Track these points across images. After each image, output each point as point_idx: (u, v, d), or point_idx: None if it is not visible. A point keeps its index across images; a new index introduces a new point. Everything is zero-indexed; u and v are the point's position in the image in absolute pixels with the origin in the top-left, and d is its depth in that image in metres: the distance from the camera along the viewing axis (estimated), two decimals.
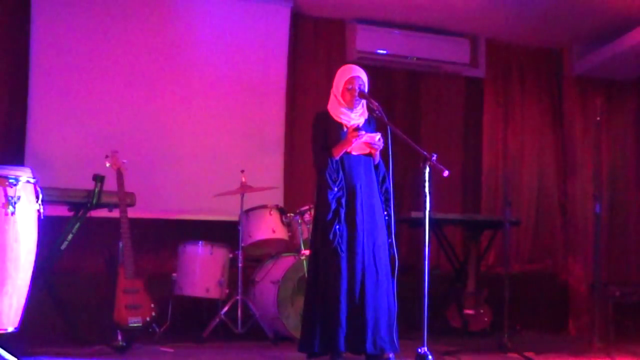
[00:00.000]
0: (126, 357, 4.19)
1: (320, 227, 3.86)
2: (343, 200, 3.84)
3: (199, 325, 4.97)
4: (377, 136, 3.84)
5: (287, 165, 6.21)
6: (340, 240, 3.78)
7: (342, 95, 3.94)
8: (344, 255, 3.78)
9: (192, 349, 4.60)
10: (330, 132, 3.93)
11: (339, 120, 3.95)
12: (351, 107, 3.96)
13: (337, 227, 3.79)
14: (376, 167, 3.99)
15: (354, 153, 3.90)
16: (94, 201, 4.58)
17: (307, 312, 3.91)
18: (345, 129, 3.93)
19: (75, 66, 5.60)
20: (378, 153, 3.95)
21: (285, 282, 4.88)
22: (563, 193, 7.06)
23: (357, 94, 3.91)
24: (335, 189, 3.83)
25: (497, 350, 4.70)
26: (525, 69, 7.10)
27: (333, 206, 3.81)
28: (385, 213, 3.95)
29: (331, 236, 3.77)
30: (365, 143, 3.87)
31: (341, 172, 3.87)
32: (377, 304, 3.80)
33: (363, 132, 3.82)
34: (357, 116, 3.98)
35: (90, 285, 5.06)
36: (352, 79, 3.93)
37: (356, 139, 3.80)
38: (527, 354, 4.50)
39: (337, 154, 3.87)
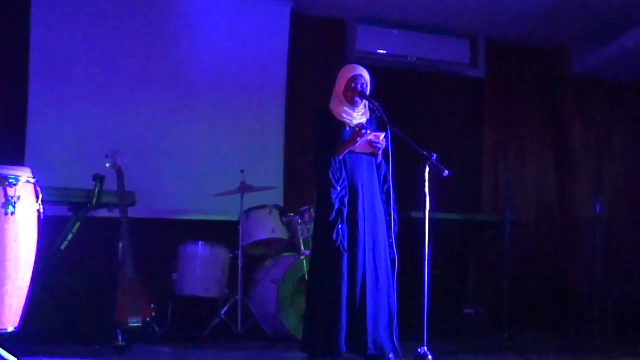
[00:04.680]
0: (126, 357, 4.19)
1: (323, 227, 3.85)
2: (346, 200, 3.84)
3: (199, 325, 4.97)
4: (382, 136, 3.84)
5: (287, 165, 6.20)
6: (343, 240, 3.78)
7: (345, 94, 3.95)
8: (345, 255, 3.78)
9: (192, 349, 4.61)
10: (333, 130, 3.93)
11: (341, 119, 3.95)
12: (353, 106, 3.96)
13: (340, 226, 3.79)
14: (378, 166, 4.00)
15: (357, 152, 3.90)
16: (94, 201, 4.58)
17: (308, 312, 3.91)
18: (347, 128, 3.93)
19: (75, 66, 5.60)
20: (380, 153, 3.95)
21: (285, 282, 4.88)
22: (563, 193, 7.06)
23: (357, 93, 3.91)
24: (339, 189, 3.82)
25: (497, 350, 4.70)
26: (525, 69, 7.10)
27: (336, 206, 3.80)
28: (386, 213, 3.96)
29: (334, 236, 3.76)
30: (369, 142, 3.87)
31: (344, 171, 3.87)
32: (378, 304, 3.80)
33: (368, 131, 3.82)
34: (359, 115, 3.98)
35: (90, 286, 5.06)
36: (355, 78, 3.94)
37: (361, 138, 3.80)
38: (527, 354, 4.50)
39: (341, 153, 3.86)
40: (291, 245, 5.24)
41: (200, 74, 5.96)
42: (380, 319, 3.80)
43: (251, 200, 5.24)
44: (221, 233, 5.42)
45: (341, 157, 3.87)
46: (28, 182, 3.51)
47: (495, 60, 6.99)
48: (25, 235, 3.45)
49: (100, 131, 5.55)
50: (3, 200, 3.38)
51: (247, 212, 5.19)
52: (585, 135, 7.01)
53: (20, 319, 3.47)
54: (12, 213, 3.39)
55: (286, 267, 4.95)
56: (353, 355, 3.83)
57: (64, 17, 5.58)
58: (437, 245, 5.94)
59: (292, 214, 5.26)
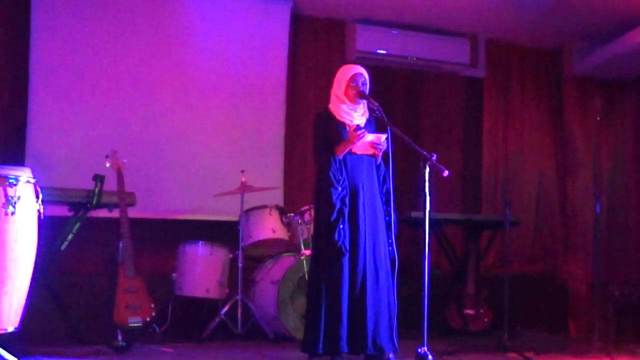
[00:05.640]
0: (126, 357, 4.19)
1: (323, 227, 3.84)
2: (347, 200, 3.84)
3: (199, 325, 4.97)
4: (383, 137, 3.85)
5: (287, 165, 6.20)
6: (344, 240, 3.78)
7: (346, 93, 3.95)
8: (347, 255, 3.78)
9: (192, 349, 4.61)
10: (333, 131, 3.92)
11: (341, 119, 3.95)
12: (354, 105, 3.96)
13: (342, 226, 3.79)
14: (377, 167, 4.00)
15: (358, 153, 3.91)
16: (94, 201, 4.58)
17: (310, 312, 3.90)
18: (348, 129, 3.93)
19: (75, 66, 5.60)
20: (380, 153, 3.95)
21: (285, 282, 4.88)
22: (563, 193, 7.06)
23: (358, 92, 3.92)
24: (339, 189, 3.82)
25: (497, 350, 4.70)
26: (525, 69, 7.10)
27: (337, 206, 3.80)
28: (386, 213, 3.96)
29: (336, 236, 3.76)
30: (370, 143, 3.87)
31: (344, 172, 3.87)
32: (378, 304, 3.80)
33: (364, 131, 3.82)
34: (359, 115, 3.98)
35: (90, 285, 5.06)
36: (356, 76, 3.95)
37: (359, 139, 3.80)
38: (527, 354, 4.51)
39: (341, 152, 3.86)
40: (291, 245, 5.24)
41: (200, 74, 5.96)
42: (380, 319, 3.80)
43: (251, 200, 5.24)
44: (221, 233, 5.42)
45: (341, 157, 3.87)
46: (28, 182, 3.51)
47: (495, 60, 6.99)
48: (25, 235, 3.45)
49: (100, 131, 5.55)
50: (3, 200, 3.38)
51: (247, 212, 5.19)
52: (585, 135, 7.01)
53: (20, 319, 3.47)
54: (12, 213, 3.38)
55: (286, 267, 4.94)
56: (353, 355, 3.83)
57: (64, 17, 5.58)
58: (437, 245, 5.98)
59: (292, 214, 5.26)
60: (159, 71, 5.83)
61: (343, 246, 3.77)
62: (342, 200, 3.82)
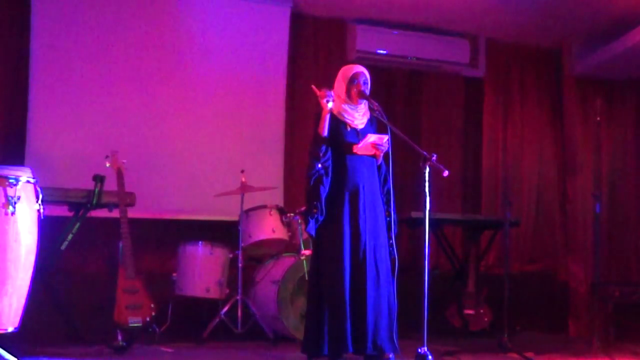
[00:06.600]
0: (126, 357, 4.19)
1: (323, 226, 3.84)
2: (324, 179, 3.84)
3: (199, 325, 4.97)
4: (385, 138, 3.85)
5: (287, 165, 6.21)
6: (319, 215, 3.81)
7: (347, 92, 3.96)
8: (345, 249, 3.77)
9: (192, 349, 4.61)
10: (334, 131, 3.92)
11: (342, 118, 3.95)
12: (355, 105, 3.97)
13: (320, 188, 3.83)
14: (378, 167, 4.01)
15: (359, 153, 3.91)
16: (94, 201, 4.58)
17: (311, 313, 3.89)
18: (349, 129, 3.94)
19: (75, 66, 5.60)
20: (382, 154, 3.95)
21: (285, 282, 4.88)
22: (563, 193, 7.06)
23: (359, 92, 3.92)
24: (320, 165, 3.84)
25: (497, 350, 4.71)
26: (525, 68, 7.10)
27: (314, 176, 3.84)
28: (387, 213, 3.96)
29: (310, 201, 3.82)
30: (372, 144, 3.88)
31: (329, 152, 3.87)
32: (378, 304, 3.80)
33: (330, 92, 3.82)
34: (360, 115, 3.99)
35: (90, 285, 5.06)
36: (357, 75, 3.96)
37: (326, 98, 3.78)
38: (527, 354, 4.51)
39: (322, 129, 3.86)
40: (291, 245, 5.24)
41: (201, 74, 5.95)
42: (380, 319, 3.79)
43: (251, 200, 5.24)
44: (221, 233, 5.42)
45: (326, 133, 3.85)
46: (28, 182, 3.51)
47: (495, 60, 6.99)
48: (25, 235, 3.45)
49: (100, 131, 5.55)
50: (3, 200, 3.38)
51: (247, 212, 5.19)
52: (585, 135, 7.00)
53: (20, 319, 3.47)
54: (12, 213, 3.39)
55: (286, 267, 4.95)
56: (352, 355, 3.82)
57: (64, 17, 5.58)
58: (437, 245, 5.97)
59: (292, 214, 5.26)
60: (159, 71, 5.83)
61: (316, 214, 3.81)
62: (318, 177, 3.83)
